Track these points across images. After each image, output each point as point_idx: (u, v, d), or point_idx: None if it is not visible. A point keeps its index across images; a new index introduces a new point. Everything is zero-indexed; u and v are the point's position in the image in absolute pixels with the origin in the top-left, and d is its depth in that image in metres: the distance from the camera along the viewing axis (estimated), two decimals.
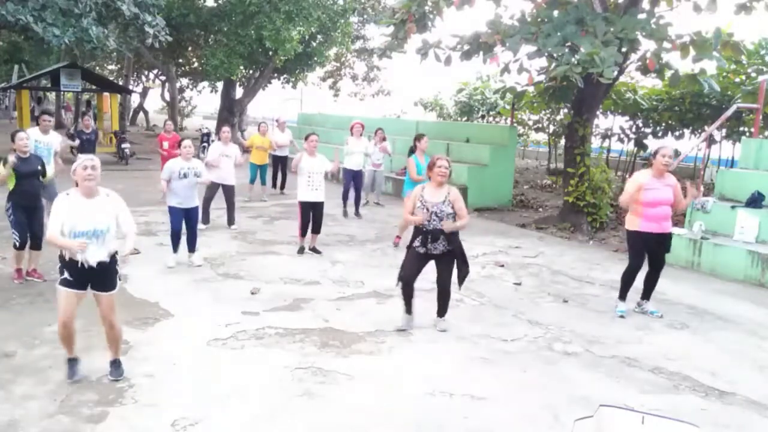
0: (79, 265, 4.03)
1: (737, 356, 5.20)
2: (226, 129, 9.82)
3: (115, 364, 4.35)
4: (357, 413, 3.98)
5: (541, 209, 12.68)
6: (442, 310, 5.54)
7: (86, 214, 4.03)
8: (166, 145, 11.10)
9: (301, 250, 7.99)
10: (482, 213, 11.86)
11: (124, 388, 4.17)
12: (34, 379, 4.23)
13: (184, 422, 3.76)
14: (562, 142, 14.03)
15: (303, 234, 8.02)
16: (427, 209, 5.18)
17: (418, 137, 8.64)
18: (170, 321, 5.48)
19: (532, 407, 4.14)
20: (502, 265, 7.83)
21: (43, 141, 7.88)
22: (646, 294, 6.18)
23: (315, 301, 6.13)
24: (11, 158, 6.01)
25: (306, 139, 7.99)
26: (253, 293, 6.30)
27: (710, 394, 4.46)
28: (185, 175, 6.99)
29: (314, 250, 8.07)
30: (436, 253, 5.25)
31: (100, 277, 4.14)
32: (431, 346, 5.14)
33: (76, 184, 4.10)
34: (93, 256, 4.05)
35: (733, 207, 8.17)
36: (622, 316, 5.95)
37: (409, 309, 5.50)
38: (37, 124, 8.00)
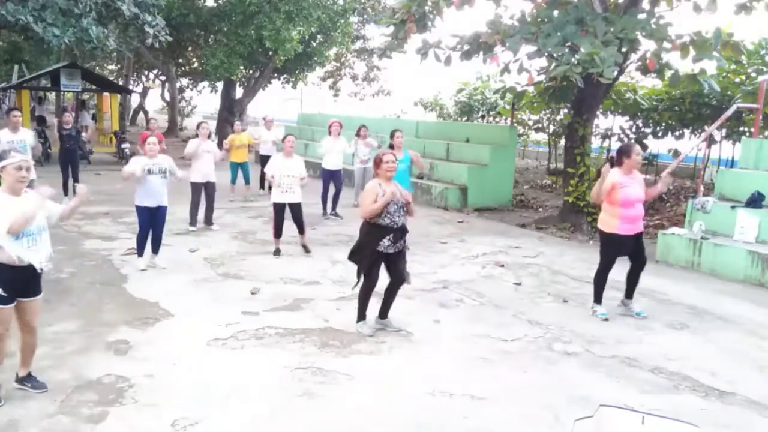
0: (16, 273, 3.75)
1: (737, 356, 5.20)
2: (204, 125, 9.53)
3: (32, 378, 4.10)
4: (357, 413, 3.98)
5: (541, 209, 12.68)
6: (388, 309, 5.43)
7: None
8: None
9: (276, 252, 7.87)
10: (482, 213, 11.85)
11: (124, 388, 4.17)
12: None
13: (184, 422, 3.76)
14: (562, 142, 14.02)
15: (277, 236, 7.91)
16: (396, 204, 5.11)
17: (391, 134, 8.72)
18: (170, 321, 5.48)
19: (532, 407, 4.14)
20: (502, 265, 7.83)
21: (15, 140, 7.73)
22: (629, 293, 6.10)
23: (315, 301, 6.13)
24: None
25: (283, 140, 7.96)
26: (253, 293, 6.30)
27: (710, 394, 4.45)
28: (150, 171, 6.77)
29: (304, 248, 8.00)
30: (394, 252, 5.17)
31: (33, 282, 3.89)
32: (431, 346, 5.14)
33: None
34: (40, 256, 3.82)
35: (733, 207, 8.17)
36: (606, 319, 5.90)
37: (365, 314, 5.38)
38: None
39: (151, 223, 6.96)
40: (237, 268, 7.20)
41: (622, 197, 5.67)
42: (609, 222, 5.81)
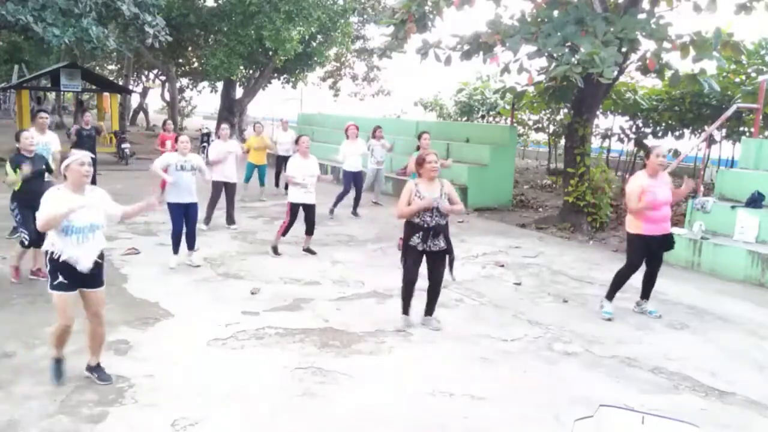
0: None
1: (737, 356, 5.20)
2: (224, 126, 9.83)
3: (101, 369, 4.27)
4: (357, 413, 3.98)
5: (541, 209, 12.68)
6: (432, 308, 5.56)
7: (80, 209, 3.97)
8: (168, 144, 11.12)
9: (274, 250, 7.89)
10: (482, 213, 11.85)
11: (124, 388, 4.17)
12: (34, 379, 4.23)
13: (184, 422, 3.76)
14: (562, 142, 14.02)
15: (284, 234, 7.93)
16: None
17: (419, 135, 8.89)
18: (170, 321, 5.48)
19: (532, 407, 4.14)
20: (502, 265, 7.83)
21: (41, 141, 7.77)
22: (646, 294, 6.15)
23: (315, 301, 6.13)
24: (25, 167, 6.01)
25: (297, 141, 8.01)
26: (253, 293, 6.30)
27: (710, 394, 4.46)
28: (182, 167, 6.88)
29: (308, 250, 8.01)
30: (434, 250, 5.26)
31: (93, 273, 4.08)
32: (431, 346, 5.14)
33: (65, 178, 4.02)
34: (88, 256, 4.00)
35: (733, 207, 8.17)
36: (609, 319, 5.89)
37: (407, 310, 5.53)
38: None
39: (185, 220, 7.05)
40: (237, 268, 7.20)
41: (648, 200, 5.68)
42: (634, 223, 5.82)
